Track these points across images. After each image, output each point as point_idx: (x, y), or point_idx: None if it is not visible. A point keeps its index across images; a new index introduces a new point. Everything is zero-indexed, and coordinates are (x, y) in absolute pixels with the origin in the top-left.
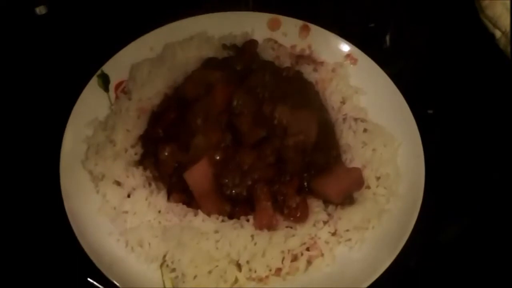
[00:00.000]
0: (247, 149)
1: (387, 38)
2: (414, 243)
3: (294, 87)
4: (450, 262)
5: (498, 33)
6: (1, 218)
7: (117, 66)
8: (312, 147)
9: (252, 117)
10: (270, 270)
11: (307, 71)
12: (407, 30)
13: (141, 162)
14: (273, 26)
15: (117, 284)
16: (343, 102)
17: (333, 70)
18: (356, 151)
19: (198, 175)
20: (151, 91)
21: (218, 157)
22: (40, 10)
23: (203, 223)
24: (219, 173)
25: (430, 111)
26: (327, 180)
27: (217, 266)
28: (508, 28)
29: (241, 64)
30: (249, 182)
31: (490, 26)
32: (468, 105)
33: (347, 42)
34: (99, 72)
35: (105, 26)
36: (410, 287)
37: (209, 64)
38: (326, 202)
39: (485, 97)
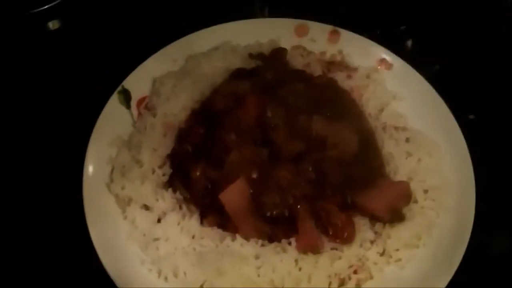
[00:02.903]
0: (286, 164)
1: (419, 40)
2: (467, 257)
3: (329, 96)
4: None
5: None
6: (25, 249)
7: (138, 81)
8: (353, 159)
9: (288, 129)
10: None
11: (341, 78)
12: (439, 31)
13: (170, 183)
14: (301, 32)
15: None
16: (381, 110)
17: (368, 76)
18: (400, 162)
19: (235, 195)
20: (177, 106)
21: (255, 175)
22: (53, 24)
23: (242, 248)
24: (256, 192)
25: (471, 116)
26: (372, 194)
27: None
28: None
29: (271, 73)
30: (291, 201)
31: None
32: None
33: (380, 46)
34: (119, 88)
35: (122, 39)
36: None
37: (237, 75)
38: (373, 219)
39: None
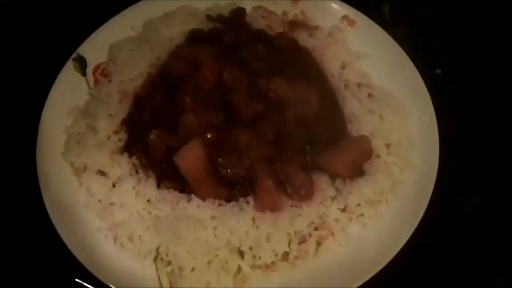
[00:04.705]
0: (243, 127)
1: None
2: (432, 216)
3: (290, 56)
4: (471, 236)
5: None
6: None
7: (94, 48)
8: (314, 120)
9: (246, 92)
10: (276, 256)
11: (302, 37)
12: None
13: (127, 149)
14: None
15: (108, 284)
16: (343, 67)
17: (330, 35)
18: (362, 119)
19: (190, 157)
20: (133, 72)
21: (210, 136)
22: None
23: (199, 210)
24: (213, 154)
25: (438, 71)
26: (333, 154)
27: (217, 255)
28: None
29: (230, 35)
30: (247, 161)
31: None
32: (477, 64)
33: (343, 3)
34: (74, 55)
35: (77, 5)
36: (429, 264)
37: (194, 37)
38: (333, 175)
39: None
